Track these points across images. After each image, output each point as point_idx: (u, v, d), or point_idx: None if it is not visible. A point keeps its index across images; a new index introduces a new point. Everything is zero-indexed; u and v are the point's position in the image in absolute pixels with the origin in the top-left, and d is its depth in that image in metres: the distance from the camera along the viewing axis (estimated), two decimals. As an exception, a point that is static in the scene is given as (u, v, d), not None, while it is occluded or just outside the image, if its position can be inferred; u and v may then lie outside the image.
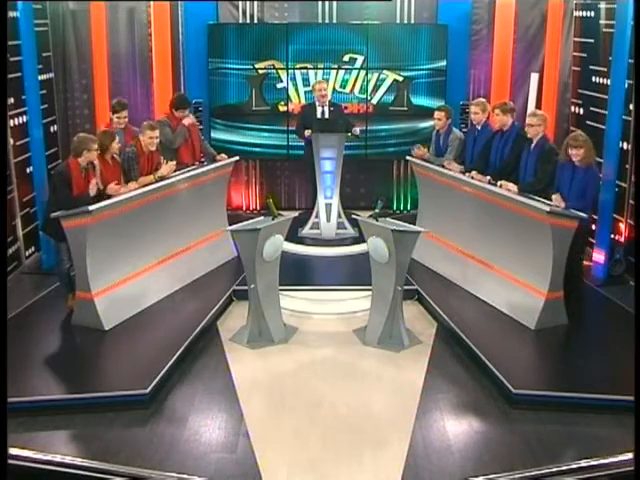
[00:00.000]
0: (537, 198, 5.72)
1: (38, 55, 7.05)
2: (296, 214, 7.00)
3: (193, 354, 5.42)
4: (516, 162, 6.20)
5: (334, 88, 8.54)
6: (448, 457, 4.23)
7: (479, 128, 6.73)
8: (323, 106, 7.78)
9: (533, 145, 6.07)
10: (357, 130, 7.78)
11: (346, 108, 8.38)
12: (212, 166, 6.96)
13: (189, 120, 7.05)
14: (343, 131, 7.65)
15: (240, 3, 8.51)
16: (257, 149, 8.75)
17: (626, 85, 6.47)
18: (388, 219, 5.82)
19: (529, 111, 6.84)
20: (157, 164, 6.34)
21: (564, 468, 2.38)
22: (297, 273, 6.89)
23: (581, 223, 5.52)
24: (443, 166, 6.74)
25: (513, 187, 5.94)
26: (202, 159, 7.33)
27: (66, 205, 5.46)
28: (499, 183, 6.07)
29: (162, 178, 6.22)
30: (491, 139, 6.54)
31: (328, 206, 7.78)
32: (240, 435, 4.41)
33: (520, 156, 6.16)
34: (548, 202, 5.64)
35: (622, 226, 6.80)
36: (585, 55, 7.44)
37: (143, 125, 6.31)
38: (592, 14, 7.27)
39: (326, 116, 7.77)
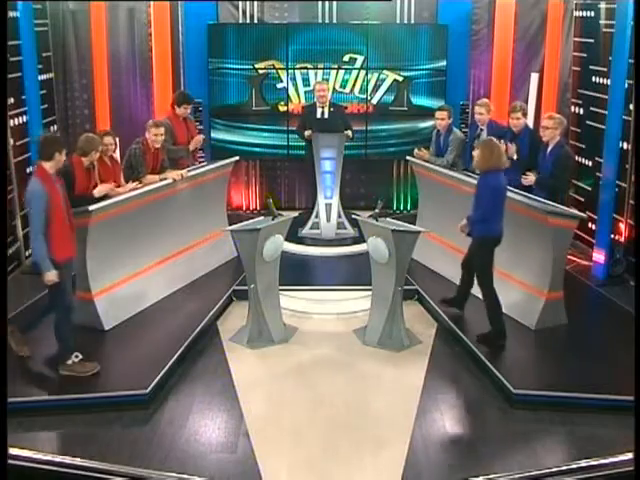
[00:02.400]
0: (536, 198, 5.73)
1: (38, 55, 7.06)
2: (296, 214, 7.01)
3: (193, 354, 5.43)
4: (532, 163, 6.13)
5: (334, 88, 8.54)
6: (448, 457, 4.23)
7: (483, 128, 6.72)
8: (323, 107, 7.78)
9: (549, 149, 5.99)
10: (350, 133, 7.75)
11: (346, 108, 8.37)
12: (212, 166, 6.96)
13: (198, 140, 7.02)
14: (343, 131, 7.65)
15: (240, 3, 8.52)
16: (257, 149, 8.75)
17: (626, 85, 6.47)
18: (388, 219, 5.82)
19: (545, 114, 6.67)
20: (162, 161, 6.35)
21: (564, 468, 2.37)
22: (297, 273, 6.89)
23: (489, 235, 5.31)
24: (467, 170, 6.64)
25: (532, 176, 6.01)
26: (202, 159, 7.33)
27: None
28: (525, 176, 6.09)
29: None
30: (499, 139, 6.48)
31: (328, 206, 7.78)
32: (240, 435, 4.41)
33: (536, 157, 6.09)
34: (548, 202, 5.63)
35: (622, 226, 6.80)
36: (585, 55, 7.44)
37: (148, 123, 6.33)
38: (592, 14, 7.27)
39: (325, 116, 7.76)
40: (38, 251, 4.65)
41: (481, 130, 6.75)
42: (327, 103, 7.79)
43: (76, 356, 4.96)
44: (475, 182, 6.25)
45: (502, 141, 6.42)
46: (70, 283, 4.98)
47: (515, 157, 6.34)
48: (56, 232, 4.68)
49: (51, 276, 4.67)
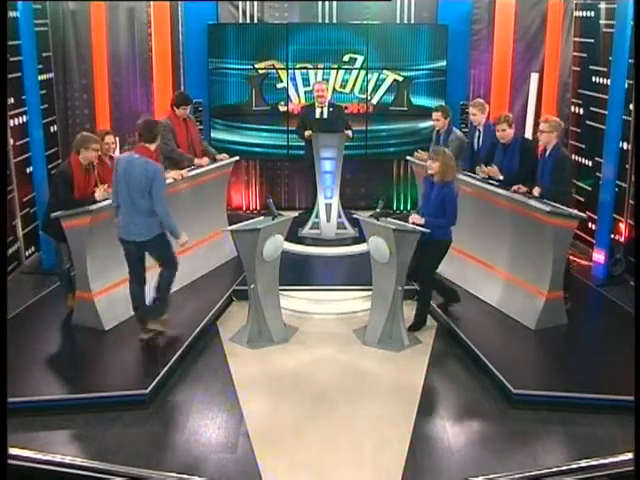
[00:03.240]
0: (536, 197, 5.71)
1: (38, 55, 7.04)
2: (296, 214, 7.01)
3: (193, 354, 5.43)
4: (527, 173, 5.97)
5: (334, 88, 8.54)
6: (448, 457, 4.23)
7: (480, 129, 6.69)
8: (322, 107, 7.77)
9: (547, 153, 5.83)
10: (350, 133, 7.75)
11: (346, 108, 8.38)
12: (212, 166, 6.95)
13: (205, 162, 6.91)
14: (342, 131, 7.65)
15: (240, 3, 8.52)
16: (257, 149, 8.75)
17: (626, 85, 6.47)
18: (389, 219, 5.82)
19: (541, 117, 6.46)
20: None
21: (564, 468, 2.38)
22: (297, 273, 6.89)
23: (447, 239, 5.61)
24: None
25: (537, 190, 5.75)
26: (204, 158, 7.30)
27: (67, 207, 5.46)
28: (516, 187, 5.84)
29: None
30: (493, 147, 6.34)
31: (328, 206, 7.78)
32: (240, 435, 4.41)
33: (531, 166, 5.94)
34: (551, 203, 5.59)
35: (622, 226, 6.81)
36: (585, 55, 7.44)
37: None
38: (592, 14, 7.27)
39: (325, 116, 7.76)
40: (174, 221, 5.30)
41: (479, 131, 6.70)
42: (326, 103, 7.79)
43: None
44: (475, 182, 6.29)
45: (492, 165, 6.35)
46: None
47: (500, 177, 6.12)
48: None
49: (185, 237, 5.36)
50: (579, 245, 7.37)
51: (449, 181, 5.56)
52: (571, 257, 6.40)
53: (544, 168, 5.87)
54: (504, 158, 6.21)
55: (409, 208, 8.97)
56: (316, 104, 7.79)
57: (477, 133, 6.73)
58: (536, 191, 5.79)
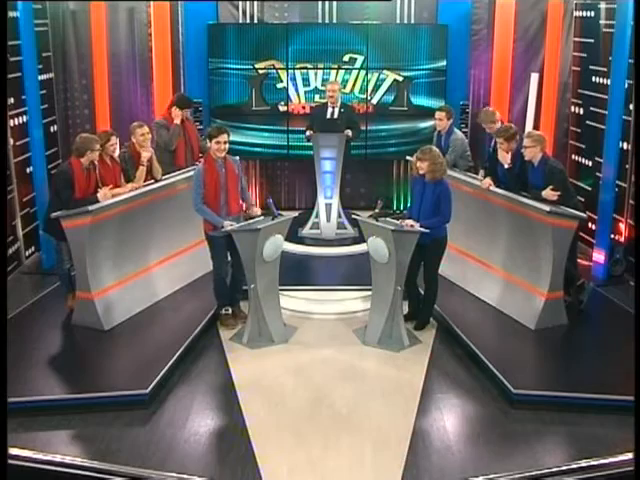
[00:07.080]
0: (536, 197, 5.71)
1: (38, 55, 7.05)
2: (296, 214, 7.01)
3: (193, 354, 5.43)
4: (519, 183, 5.91)
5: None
6: (448, 457, 4.23)
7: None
8: (333, 107, 7.75)
9: (535, 166, 5.75)
10: (350, 133, 7.71)
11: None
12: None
13: (179, 118, 6.97)
14: (343, 131, 7.64)
15: (240, 3, 8.51)
16: (257, 149, 8.75)
17: (626, 85, 6.47)
18: (388, 219, 5.82)
19: (525, 132, 6.32)
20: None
21: (564, 468, 2.38)
22: (297, 273, 6.89)
23: (446, 234, 5.61)
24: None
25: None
26: (201, 159, 7.30)
27: (69, 207, 5.46)
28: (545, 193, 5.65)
29: (150, 161, 6.21)
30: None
31: (328, 206, 7.78)
32: (240, 435, 4.41)
33: (521, 176, 5.88)
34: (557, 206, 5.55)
35: (622, 226, 6.81)
36: (585, 55, 7.44)
37: (132, 126, 6.29)
38: (592, 14, 7.27)
39: (335, 116, 7.74)
40: (207, 214, 5.68)
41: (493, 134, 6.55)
42: (337, 103, 7.76)
43: (226, 310, 5.95)
44: (475, 182, 6.29)
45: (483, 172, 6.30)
46: (220, 252, 5.82)
47: (491, 188, 6.02)
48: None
49: (227, 224, 5.56)
50: (579, 245, 7.35)
51: (441, 178, 5.55)
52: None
53: (534, 182, 5.77)
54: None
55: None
56: (328, 104, 7.77)
57: (493, 136, 6.62)
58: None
